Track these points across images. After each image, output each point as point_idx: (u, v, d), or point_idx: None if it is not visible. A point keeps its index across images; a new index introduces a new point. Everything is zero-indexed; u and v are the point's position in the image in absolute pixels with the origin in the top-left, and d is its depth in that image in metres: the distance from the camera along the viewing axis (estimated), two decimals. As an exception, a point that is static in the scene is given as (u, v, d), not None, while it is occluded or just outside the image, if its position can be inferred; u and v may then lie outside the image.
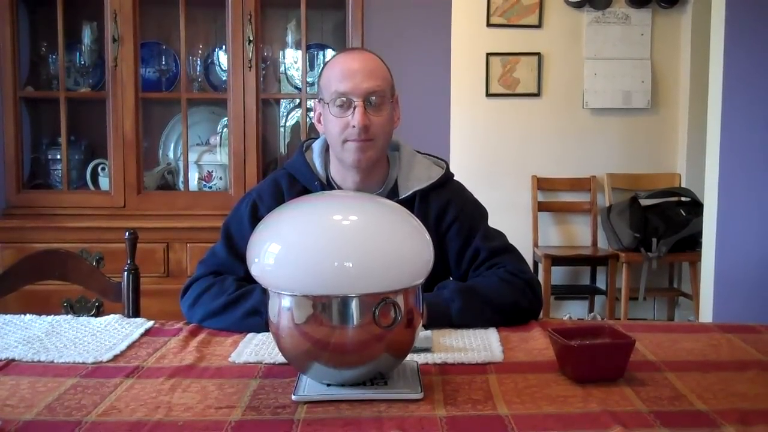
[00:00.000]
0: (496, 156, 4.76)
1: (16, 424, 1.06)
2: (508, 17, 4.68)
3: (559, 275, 4.72)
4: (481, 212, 1.76)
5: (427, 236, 1.20)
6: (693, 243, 4.29)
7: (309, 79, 3.12)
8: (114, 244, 2.63)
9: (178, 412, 1.10)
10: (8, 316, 1.61)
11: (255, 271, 1.17)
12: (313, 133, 2.98)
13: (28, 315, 1.62)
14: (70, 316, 1.63)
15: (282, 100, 3.31)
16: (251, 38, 2.95)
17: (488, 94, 4.72)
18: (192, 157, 3.10)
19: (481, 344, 1.41)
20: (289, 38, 3.23)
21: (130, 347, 1.42)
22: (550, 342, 1.30)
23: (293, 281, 1.11)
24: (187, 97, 3.06)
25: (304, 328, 1.12)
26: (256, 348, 1.40)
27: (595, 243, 4.71)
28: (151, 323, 1.57)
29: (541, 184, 4.73)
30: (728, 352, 1.39)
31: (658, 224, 4.36)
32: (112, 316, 1.62)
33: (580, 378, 1.22)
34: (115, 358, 1.36)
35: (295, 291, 1.11)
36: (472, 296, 1.55)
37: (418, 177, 1.72)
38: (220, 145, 3.17)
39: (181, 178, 3.13)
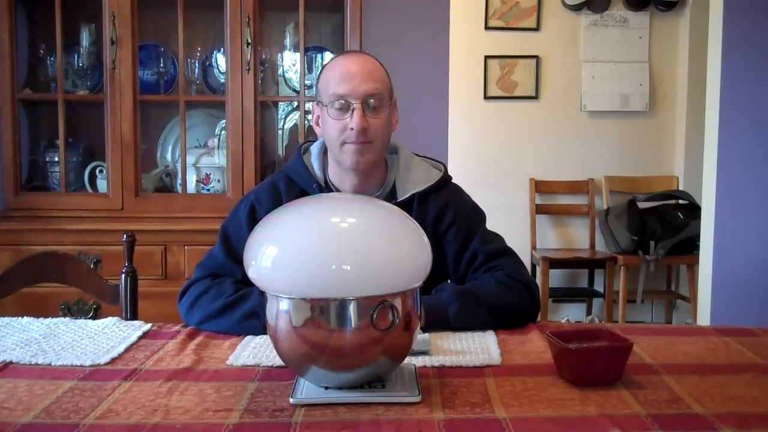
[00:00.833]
0: (494, 159, 4.76)
1: (13, 427, 1.06)
2: (506, 20, 4.69)
3: (556, 278, 4.72)
4: (479, 215, 1.76)
5: (425, 239, 1.20)
6: (691, 246, 4.30)
7: (307, 82, 3.12)
8: (112, 247, 2.62)
9: (176, 415, 1.10)
10: (6, 319, 1.61)
11: (252, 273, 1.17)
12: (311, 135, 2.98)
13: (25, 317, 1.62)
14: (67, 319, 1.63)
15: (280, 103, 3.31)
16: (249, 41, 2.95)
17: (486, 97, 4.73)
18: (190, 159, 3.10)
19: (478, 347, 1.41)
20: (288, 41, 3.23)
21: (127, 350, 1.42)
22: (547, 345, 1.30)
23: (291, 284, 1.11)
24: (185, 99, 3.06)
25: (302, 331, 1.12)
26: (254, 351, 1.40)
27: (592, 246, 4.72)
28: (148, 326, 1.57)
29: (539, 186, 4.73)
30: (726, 355, 1.39)
31: (656, 227, 4.36)
32: (109, 318, 1.62)
33: (577, 381, 1.22)
34: (113, 360, 1.36)
35: (292, 294, 1.11)
36: (470, 299, 1.55)
37: (416, 180, 1.72)
38: (218, 148, 3.16)
39: (179, 181, 3.13)
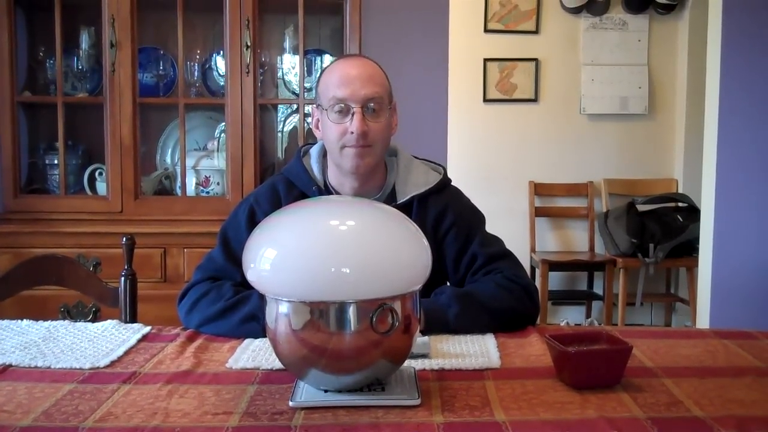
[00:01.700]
0: (494, 161, 4.77)
1: (13, 430, 1.06)
2: (506, 23, 4.70)
3: (556, 281, 4.72)
4: (478, 217, 1.76)
5: (425, 242, 1.20)
6: (690, 249, 4.30)
7: (306, 85, 3.12)
8: (111, 250, 2.61)
9: (175, 418, 1.10)
10: (5, 322, 1.61)
11: (251, 276, 1.17)
12: (310, 138, 2.98)
13: (25, 320, 1.62)
14: (67, 322, 1.63)
15: (279, 106, 3.31)
16: (249, 43, 2.95)
17: (485, 100, 4.73)
18: (189, 162, 3.10)
19: (478, 350, 1.41)
20: (287, 43, 3.24)
21: (127, 353, 1.42)
22: (547, 348, 1.30)
23: (290, 287, 1.11)
24: (184, 102, 3.06)
25: (301, 334, 1.12)
26: (254, 354, 1.40)
27: (592, 248, 4.72)
28: (148, 329, 1.57)
29: (539, 189, 4.74)
30: (725, 358, 1.39)
31: (655, 230, 4.36)
32: (109, 321, 1.62)
33: (577, 384, 1.22)
34: (112, 363, 1.36)
35: (292, 297, 1.11)
36: (469, 302, 1.55)
37: (415, 182, 1.72)
38: (218, 150, 3.17)
39: (178, 183, 3.13)
